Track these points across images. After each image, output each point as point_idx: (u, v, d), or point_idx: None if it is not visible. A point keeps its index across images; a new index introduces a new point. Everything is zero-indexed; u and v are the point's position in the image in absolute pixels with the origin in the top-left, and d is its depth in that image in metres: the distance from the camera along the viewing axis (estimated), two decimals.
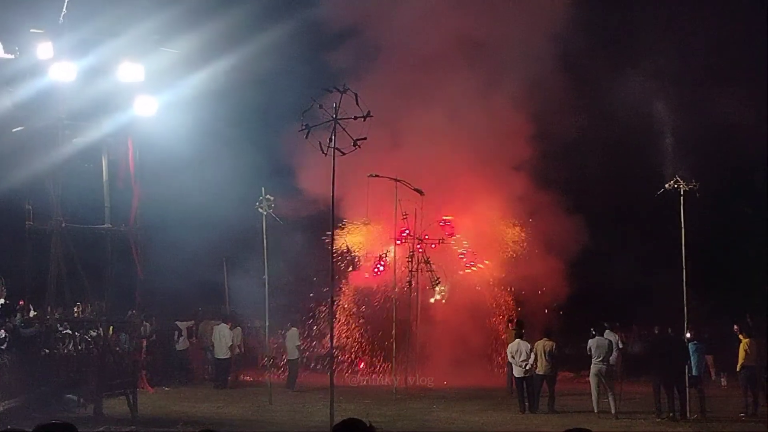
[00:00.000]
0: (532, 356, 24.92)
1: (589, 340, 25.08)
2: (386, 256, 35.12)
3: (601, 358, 24.29)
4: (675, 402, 23.62)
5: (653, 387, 24.29)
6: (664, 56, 33.89)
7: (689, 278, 24.51)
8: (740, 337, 25.30)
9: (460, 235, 37.50)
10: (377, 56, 36.92)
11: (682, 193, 24.43)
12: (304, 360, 32.86)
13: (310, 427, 20.49)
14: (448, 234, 36.20)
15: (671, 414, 23.38)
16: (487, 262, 37.62)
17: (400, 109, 35.25)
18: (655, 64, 33.89)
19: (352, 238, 37.74)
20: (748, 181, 35.11)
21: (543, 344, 25.31)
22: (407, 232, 32.37)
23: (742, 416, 23.86)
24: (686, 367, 24.13)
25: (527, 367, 24.87)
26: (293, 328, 30.97)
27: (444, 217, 36.62)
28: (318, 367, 34.61)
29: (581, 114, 35.85)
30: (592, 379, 24.52)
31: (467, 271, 37.51)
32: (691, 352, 24.50)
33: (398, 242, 32.22)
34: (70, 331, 24.45)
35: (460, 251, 37.45)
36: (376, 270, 36.24)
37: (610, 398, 24.11)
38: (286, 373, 31.00)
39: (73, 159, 22.38)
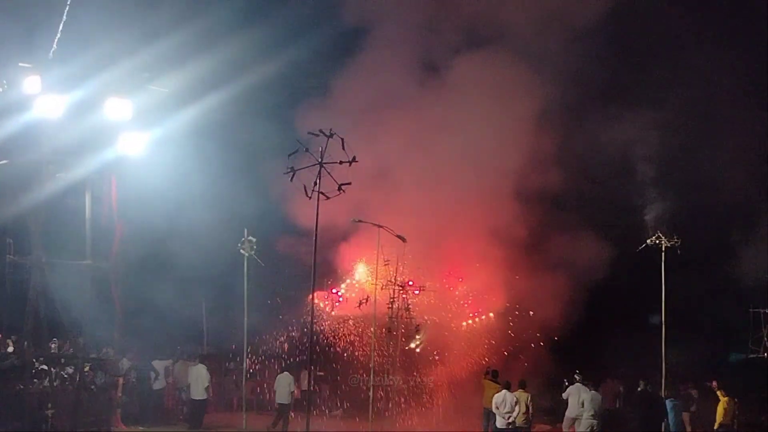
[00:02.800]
0: (516, 408, 24.86)
1: (583, 394, 25.13)
2: (366, 301, 35.08)
3: (593, 413, 24.30)
4: None
5: None
6: (650, 109, 33.95)
7: (668, 335, 24.62)
8: (719, 395, 25.34)
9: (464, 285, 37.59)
10: (368, 101, 37.00)
11: (663, 249, 24.56)
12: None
13: None
14: (459, 279, 36.46)
15: None
16: (491, 314, 37.67)
17: (387, 155, 35.27)
18: (640, 116, 33.95)
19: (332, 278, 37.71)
20: (727, 239, 35.24)
21: (523, 396, 25.30)
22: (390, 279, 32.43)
23: None
24: (662, 423, 24.17)
25: (510, 419, 24.81)
26: (285, 372, 30.71)
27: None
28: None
29: (563, 168, 35.86)
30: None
31: (469, 322, 37.56)
32: (668, 409, 24.50)
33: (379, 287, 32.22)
34: (45, 367, 24.26)
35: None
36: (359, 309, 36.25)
37: None
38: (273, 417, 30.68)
39: (57, 194, 22.35)
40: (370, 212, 31.76)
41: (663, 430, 24.41)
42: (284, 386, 30.23)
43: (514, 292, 37.04)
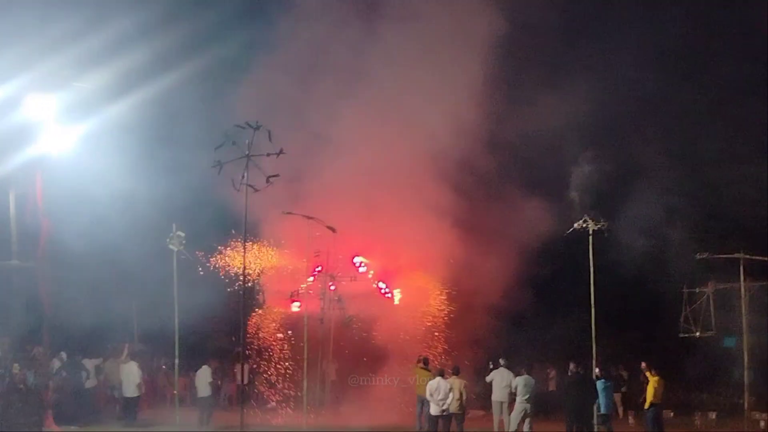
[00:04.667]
0: (450, 395, 24.98)
1: (516, 378, 25.39)
2: (298, 293, 35.04)
3: (527, 397, 24.54)
4: None
5: (566, 425, 24.57)
6: (584, 84, 34.18)
7: (598, 317, 24.90)
8: (648, 375, 25.70)
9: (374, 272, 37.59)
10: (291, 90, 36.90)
11: (590, 232, 24.82)
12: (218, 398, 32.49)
13: None
14: (360, 271, 36.33)
15: None
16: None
17: (313, 146, 35.20)
18: (572, 99, 34.17)
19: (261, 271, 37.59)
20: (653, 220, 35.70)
21: (457, 382, 25.45)
22: (319, 269, 32.40)
23: None
24: (594, 404, 24.45)
25: (444, 406, 24.91)
26: (204, 366, 30.66)
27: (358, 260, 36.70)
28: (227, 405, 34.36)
29: (497, 148, 35.96)
30: (515, 417, 24.73)
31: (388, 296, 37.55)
32: (599, 390, 24.78)
33: (310, 279, 32.20)
34: None
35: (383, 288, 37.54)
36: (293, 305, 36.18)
37: None
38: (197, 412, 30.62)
39: None
40: (301, 204, 31.74)
41: (595, 411, 24.69)
42: (203, 379, 30.25)
43: (445, 280, 37.23)
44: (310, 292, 31.55)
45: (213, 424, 29.25)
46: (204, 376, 30.28)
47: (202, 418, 29.61)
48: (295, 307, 35.85)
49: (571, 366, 25.63)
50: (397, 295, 37.55)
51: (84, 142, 23.62)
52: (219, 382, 37.74)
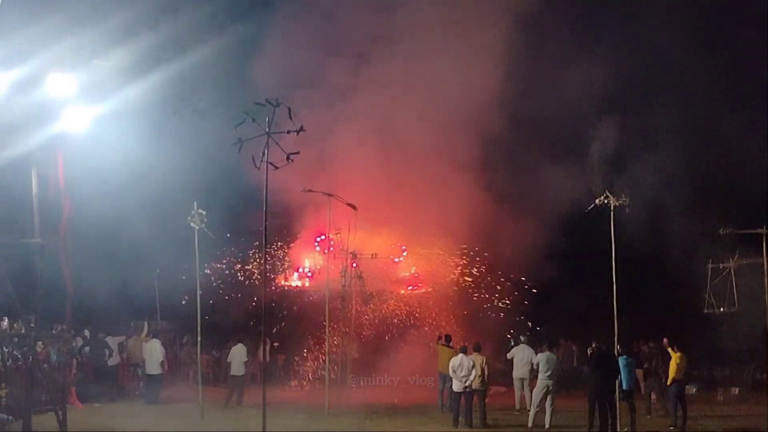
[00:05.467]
0: (473, 371, 24.98)
1: (538, 355, 25.39)
2: (317, 270, 35.13)
3: (549, 373, 24.51)
4: (607, 416, 23.93)
5: (589, 402, 24.55)
6: (599, 67, 34.03)
7: (619, 294, 24.81)
8: (670, 351, 25.64)
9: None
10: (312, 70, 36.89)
11: (612, 208, 24.71)
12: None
13: None
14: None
15: (607, 430, 23.64)
16: (429, 288, 37.82)
17: (335, 124, 35.21)
18: (589, 75, 34.01)
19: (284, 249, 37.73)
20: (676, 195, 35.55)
21: (478, 359, 25.45)
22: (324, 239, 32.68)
23: (672, 429, 24.13)
24: (616, 380, 24.41)
25: (467, 383, 24.92)
26: (239, 344, 30.66)
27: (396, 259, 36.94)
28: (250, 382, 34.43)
29: (520, 120, 35.82)
30: (537, 394, 24.71)
31: (409, 289, 37.68)
32: (621, 366, 24.73)
33: (325, 251, 32.37)
34: None
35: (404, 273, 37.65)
36: (308, 281, 36.29)
37: (547, 413, 24.32)
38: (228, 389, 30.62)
39: (2, 172, 22.08)
40: (321, 182, 31.75)
41: (617, 387, 24.64)
42: (238, 358, 30.26)
43: (465, 256, 37.25)
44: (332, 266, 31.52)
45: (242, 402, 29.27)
46: (239, 355, 30.30)
47: (233, 395, 29.61)
48: (295, 280, 36.00)
49: (593, 343, 25.60)
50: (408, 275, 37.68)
51: (105, 121, 23.55)
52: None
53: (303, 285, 37.55)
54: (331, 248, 31.94)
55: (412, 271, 38.16)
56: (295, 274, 38.70)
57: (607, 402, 24.00)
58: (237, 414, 26.36)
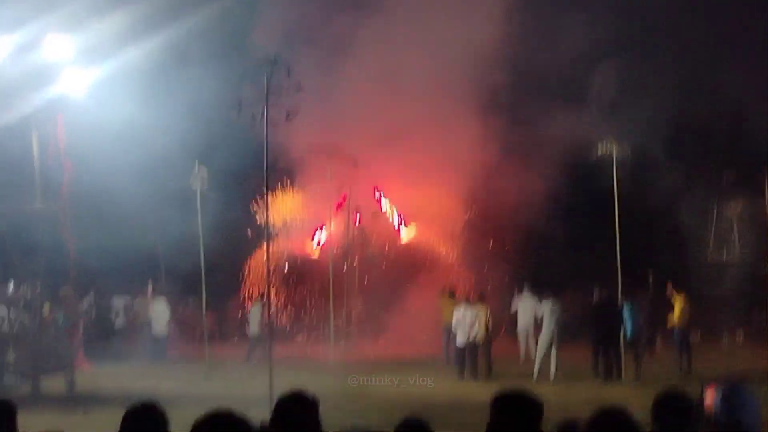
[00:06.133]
0: (476, 323, 25.07)
1: (542, 304, 25.46)
2: (322, 228, 35.16)
3: (553, 323, 24.60)
4: (612, 365, 24.09)
5: (592, 350, 24.72)
6: (600, 13, 33.81)
7: (623, 242, 24.86)
8: (675, 296, 25.76)
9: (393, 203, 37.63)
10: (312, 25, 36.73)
11: (614, 158, 24.71)
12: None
13: (250, 400, 20.42)
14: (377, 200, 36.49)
15: (612, 378, 23.81)
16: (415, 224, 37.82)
17: (334, 78, 35.08)
18: (589, 27, 33.82)
19: (285, 207, 37.69)
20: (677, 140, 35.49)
21: (482, 310, 25.53)
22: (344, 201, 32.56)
23: (678, 374, 24.26)
24: (620, 328, 24.54)
25: (471, 335, 25.02)
26: (258, 303, 30.78)
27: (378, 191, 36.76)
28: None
29: (519, 70, 35.63)
30: (542, 344, 24.82)
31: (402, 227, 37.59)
32: (626, 315, 24.84)
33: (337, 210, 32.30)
34: (5, 311, 24.16)
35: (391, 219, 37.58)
36: (316, 242, 36.32)
37: (552, 363, 24.44)
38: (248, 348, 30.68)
39: (2, 137, 22.12)
40: (324, 138, 31.77)
41: (622, 335, 24.76)
42: (257, 317, 30.40)
43: (468, 207, 37.24)
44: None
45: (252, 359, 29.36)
46: (255, 314, 30.44)
47: (253, 353, 29.70)
48: (315, 248, 35.98)
49: (596, 291, 25.72)
50: (408, 231, 37.61)
51: (104, 84, 23.60)
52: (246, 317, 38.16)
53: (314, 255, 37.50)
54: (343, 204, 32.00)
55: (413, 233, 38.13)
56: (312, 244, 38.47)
57: (611, 350, 24.18)
58: (242, 372, 26.46)
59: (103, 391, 22.62)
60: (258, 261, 35.93)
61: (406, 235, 38.09)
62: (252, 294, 36.39)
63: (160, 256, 37.17)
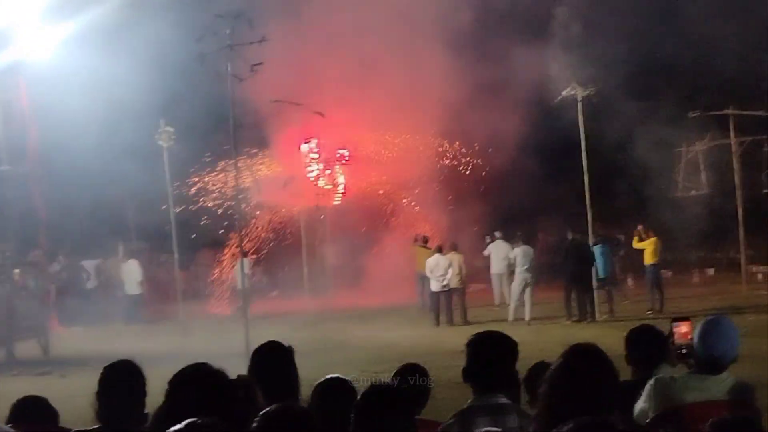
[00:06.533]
0: (450, 270, 25.19)
1: (515, 249, 25.60)
2: (291, 181, 35.06)
3: (526, 267, 24.73)
4: (585, 306, 24.29)
5: (564, 291, 24.91)
6: None
7: (592, 183, 24.98)
8: (646, 236, 25.94)
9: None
10: None
11: (579, 99, 24.74)
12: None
13: (228, 354, 20.43)
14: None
15: (586, 318, 24.01)
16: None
17: (299, 29, 34.77)
18: None
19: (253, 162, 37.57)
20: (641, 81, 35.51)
21: (456, 258, 25.65)
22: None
23: (649, 313, 24.44)
24: (591, 269, 24.71)
25: (445, 282, 25.16)
26: (244, 259, 30.80)
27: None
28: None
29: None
30: (516, 288, 24.97)
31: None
32: (597, 255, 25.00)
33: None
34: None
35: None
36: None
37: (527, 306, 24.59)
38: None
39: None
40: (290, 91, 31.59)
41: (593, 275, 24.93)
42: (241, 272, 30.41)
43: (438, 152, 37.17)
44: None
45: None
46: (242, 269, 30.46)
47: (240, 308, 29.70)
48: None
49: (569, 234, 25.88)
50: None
51: (66, 43, 23.37)
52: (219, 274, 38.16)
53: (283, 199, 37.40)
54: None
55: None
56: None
57: (584, 290, 24.37)
58: (219, 328, 26.48)
59: (78, 354, 22.57)
60: (228, 217, 35.81)
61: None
62: (226, 251, 36.33)
63: (130, 216, 37.06)
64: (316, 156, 32.70)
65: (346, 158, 35.06)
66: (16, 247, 23.12)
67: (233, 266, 31.29)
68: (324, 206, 33.20)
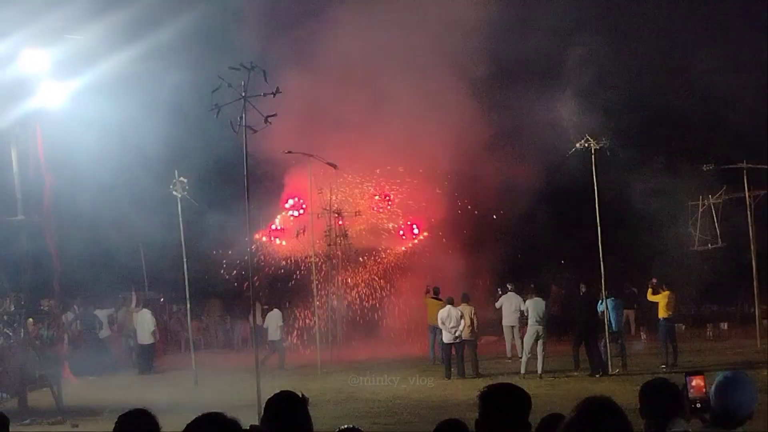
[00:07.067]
0: (462, 322, 25.17)
1: (526, 301, 25.55)
2: (303, 232, 35.12)
3: (538, 319, 24.64)
4: (595, 360, 24.20)
5: (573, 345, 24.87)
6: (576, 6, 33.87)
7: (605, 236, 24.93)
8: (660, 290, 25.85)
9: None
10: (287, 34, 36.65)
11: (593, 151, 24.76)
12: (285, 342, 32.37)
13: (239, 405, 20.39)
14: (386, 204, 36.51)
15: (598, 372, 23.91)
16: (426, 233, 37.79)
17: (314, 80, 35.00)
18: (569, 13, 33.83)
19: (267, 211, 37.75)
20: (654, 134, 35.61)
21: (467, 309, 25.64)
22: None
23: (663, 368, 24.32)
24: (596, 323, 24.69)
25: (456, 333, 25.13)
26: (275, 309, 30.82)
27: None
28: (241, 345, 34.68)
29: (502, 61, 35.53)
30: (528, 341, 24.87)
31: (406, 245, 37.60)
32: (610, 308, 24.92)
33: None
34: None
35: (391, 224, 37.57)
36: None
37: (539, 359, 24.49)
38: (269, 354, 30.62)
39: None
40: (302, 144, 31.76)
41: (606, 328, 24.83)
42: (274, 323, 30.44)
43: (447, 210, 37.21)
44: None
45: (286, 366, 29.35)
46: (275, 320, 30.49)
47: (269, 359, 29.68)
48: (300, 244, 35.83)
49: (582, 287, 25.87)
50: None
51: (81, 95, 23.52)
52: (229, 324, 38.27)
53: (281, 243, 37.48)
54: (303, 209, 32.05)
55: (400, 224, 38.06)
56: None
57: (591, 344, 24.32)
58: (231, 379, 26.42)
59: (91, 403, 22.54)
60: (240, 267, 35.88)
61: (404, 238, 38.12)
62: (239, 299, 36.41)
63: (143, 266, 37.13)
64: (327, 208, 32.77)
65: (358, 209, 35.19)
66: (29, 296, 23.14)
67: (264, 316, 31.35)
68: (335, 256, 33.20)
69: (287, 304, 35.72)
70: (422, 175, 36.55)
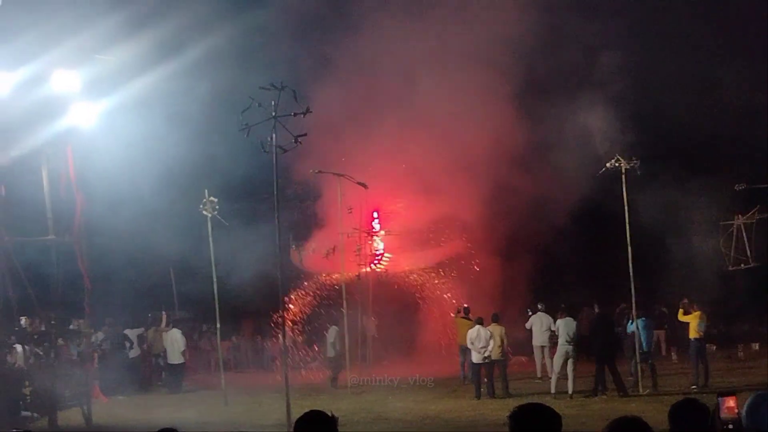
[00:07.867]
0: (491, 342, 25.11)
1: (557, 321, 25.43)
2: (333, 251, 35.12)
3: (568, 339, 24.52)
4: (620, 380, 24.08)
5: (596, 366, 24.76)
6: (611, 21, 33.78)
7: (636, 256, 24.79)
8: (691, 310, 25.67)
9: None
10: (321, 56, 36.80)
11: (623, 171, 24.64)
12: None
13: (268, 426, 20.42)
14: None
15: (621, 393, 23.78)
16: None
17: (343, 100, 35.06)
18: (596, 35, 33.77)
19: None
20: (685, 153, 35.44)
21: (497, 330, 25.57)
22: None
23: (694, 388, 24.12)
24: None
25: (486, 354, 25.07)
26: (334, 326, 30.81)
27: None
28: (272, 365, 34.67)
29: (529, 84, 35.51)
30: (557, 361, 24.74)
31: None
32: (641, 328, 24.78)
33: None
34: (19, 346, 24.17)
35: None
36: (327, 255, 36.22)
37: (569, 379, 24.35)
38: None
39: (12, 171, 22.20)
40: (331, 163, 31.82)
41: (637, 348, 24.69)
42: (334, 339, 30.45)
43: (480, 230, 37.09)
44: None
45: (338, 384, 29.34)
46: (332, 337, 30.53)
47: (331, 378, 29.76)
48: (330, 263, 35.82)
49: (595, 306, 25.85)
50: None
51: (112, 115, 23.68)
52: (261, 344, 38.27)
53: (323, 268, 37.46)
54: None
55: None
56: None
57: (610, 364, 24.24)
58: (260, 398, 26.44)
59: (121, 423, 22.63)
60: (270, 287, 35.91)
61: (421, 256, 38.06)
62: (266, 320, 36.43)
63: (173, 285, 37.24)
64: (357, 227, 32.77)
65: (388, 229, 35.20)
66: (60, 315, 23.25)
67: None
68: (365, 276, 33.17)
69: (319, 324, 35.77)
70: (453, 200, 36.46)
